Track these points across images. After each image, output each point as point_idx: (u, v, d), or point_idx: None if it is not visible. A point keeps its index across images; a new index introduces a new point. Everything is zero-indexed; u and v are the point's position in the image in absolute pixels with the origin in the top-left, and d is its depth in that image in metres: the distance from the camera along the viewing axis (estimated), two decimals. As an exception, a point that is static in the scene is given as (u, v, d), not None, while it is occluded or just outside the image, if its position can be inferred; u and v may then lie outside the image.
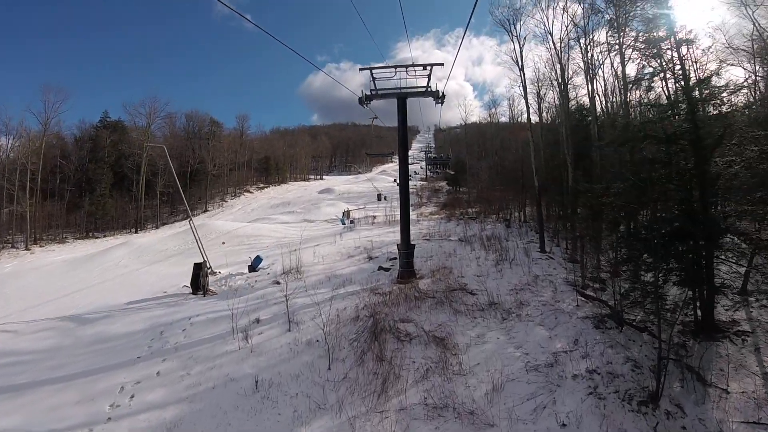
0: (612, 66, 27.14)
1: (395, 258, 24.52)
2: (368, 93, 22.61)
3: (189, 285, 23.80)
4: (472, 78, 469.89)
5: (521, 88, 31.39)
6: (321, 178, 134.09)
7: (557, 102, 37.39)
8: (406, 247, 22.34)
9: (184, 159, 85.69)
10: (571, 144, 27.62)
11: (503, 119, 73.41)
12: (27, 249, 57.32)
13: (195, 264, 23.83)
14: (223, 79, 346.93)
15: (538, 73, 36.16)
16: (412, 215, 48.01)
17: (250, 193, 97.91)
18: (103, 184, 72.28)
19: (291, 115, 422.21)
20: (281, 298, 19.00)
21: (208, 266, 23.78)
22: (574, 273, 21.48)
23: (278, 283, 23.26)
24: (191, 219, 24.76)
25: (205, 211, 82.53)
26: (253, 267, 26.66)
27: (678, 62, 17.03)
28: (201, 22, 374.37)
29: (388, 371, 13.63)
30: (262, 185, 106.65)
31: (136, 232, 68.86)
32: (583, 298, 18.46)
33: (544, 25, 28.99)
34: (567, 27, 28.21)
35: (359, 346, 15.12)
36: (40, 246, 59.90)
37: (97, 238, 66.14)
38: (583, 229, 22.39)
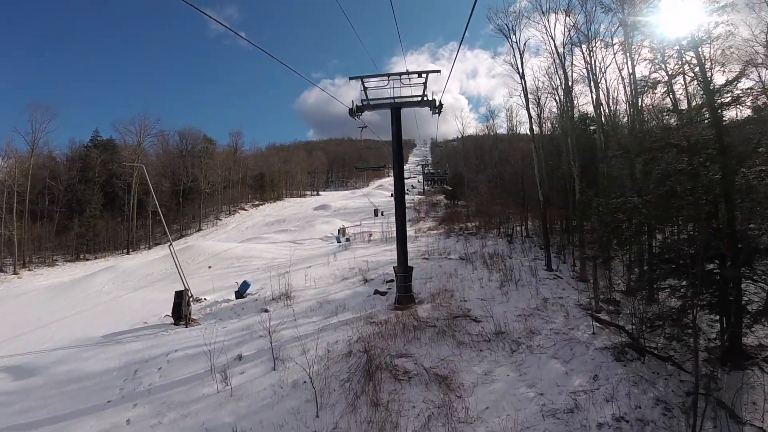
0: (619, 71, 25.65)
1: (392, 280, 22.81)
2: (359, 104, 20.93)
3: (171, 314, 22.09)
4: (467, 91, 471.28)
5: (522, 97, 29.70)
6: (317, 194, 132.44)
7: (557, 112, 36.06)
8: (403, 269, 20.61)
9: (178, 177, 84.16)
10: (577, 154, 26.02)
11: (500, 131, 72.22)
12: (15, 273, 55.68)
13: (176, 292, 22.14)
14: (217, 95, 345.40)
15: (537, 82, 34.64)
16: (410, 231, 46.47)
17: (245, 210, 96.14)
18: (93, 205, 70.49)
19: (287, 130, 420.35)
20: (269, 328, 17.34)
21: (190, 294, 22.10)
22: (587, 294, 19.86)
23: (266, 310, 21.58)
24: (171, 244, 23.13)
25: (199, 230, 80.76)
26: (241, 293, 24.93)
27: (696, 64, 15.50)
28: (196, 39, 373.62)
29: (385, 419, 11.88)
30: (257, 202, 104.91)
31: (127, 253, 67.15)
32: (598, 324, 16.80)
33: (546, 29, 27.43)
34: (569, 31, 26.72)
35: (351, 387, 13.35)
36: (29, 270, 58.23)
37: (88, 260, 64.45)
38: (595, 248, 20.69)
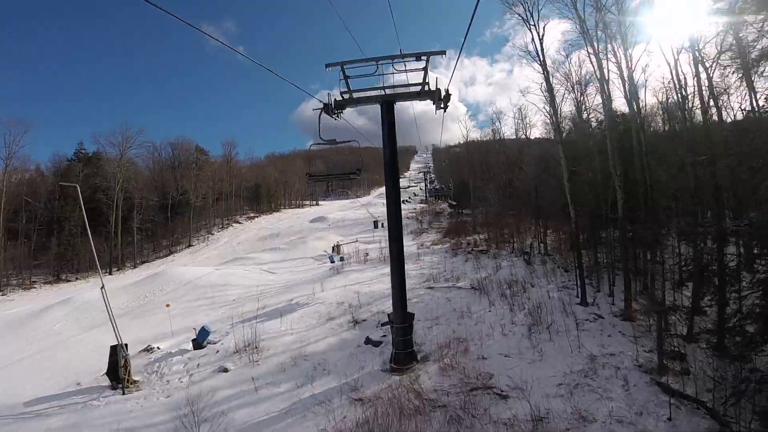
0: (663, 57, 20.92)
1: (388, 323, 17.78)
2: (338, 98, 15.66)
3: (107, 374, 17.33)
4: (465, 99, 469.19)
5: (544, 90, 24.66)
6: (316, 204, 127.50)
7: (574, 110, 31.31)
8: (401, 319, 15.52)
9: (167, 190, 79.63)
10: (618, 159, 21.17)
11: (506, 134, 67.96)
12: (-14, 299, 51.11)
13: (111, 347, 17.32)
14: (217, 108, 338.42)
15: (552, 78, 29.62)
16: (412, 246, 41.66)
17: (239, 224, 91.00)
18: (72, 222, 65.75)
19: (287, 140, 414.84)
20: (221, 403, 12.68)
21: (125, 353, 17.23)
22: (642, 344, 15.10)
23: (225, 369, 16.84)
24: (103, 286, 18.31)
25: (189, 245, 75.81)
26: (199, 342, 19.89)
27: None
28: (195, 53, 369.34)
29: None
30: (252, 215, 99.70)
31: (110, 273, 62.40)
32: (672, 398, 11.93)
33: (573, 3, 22.42)
34: (600, 13, 21.91)
35: None
36: (2, 294, 53.63)
37: (69, 281, 59.91)
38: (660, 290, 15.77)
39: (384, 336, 18.08)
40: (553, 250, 33.56)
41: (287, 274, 36.02)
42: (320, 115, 15.03)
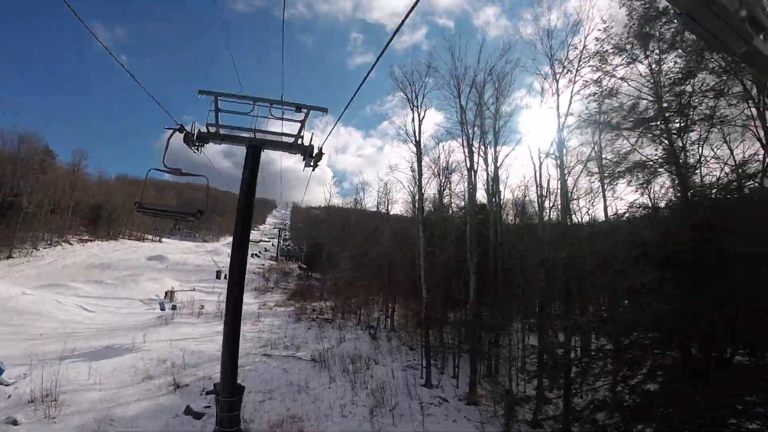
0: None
1: (214, 392, 15.55)
2: (204, 129, 13.76)
3: None
4: (334, 165, 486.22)
5: (414, 169, 25.59)
6: (159, 240, 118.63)
7: (437, 193, 32.38)
8: (230, 392, 13.47)
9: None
10: (476, 247, 21.74)
11: (368, 206, 69.08)
12: None
13: None
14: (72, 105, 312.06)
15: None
16: (254, 305, 39.33)
17: (70, 245, 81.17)
18: None
19: (145, 166, 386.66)
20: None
21: None
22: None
23: (15, 423, 13.75)
24: None
25: (9, 257, 65.25)
26: (-11, 381, 16.18)
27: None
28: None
29: None
30: (86, 237, 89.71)
31: None
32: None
33: (457, 89, 23.52)
34: (481, 97, 23.19)
35: None
36: None
37: None
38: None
39: (207, 407, 16.09)
40: (400, 326, 33.28)
41: (108, 315, 31.80)
42: (170, 137, 13.01)
